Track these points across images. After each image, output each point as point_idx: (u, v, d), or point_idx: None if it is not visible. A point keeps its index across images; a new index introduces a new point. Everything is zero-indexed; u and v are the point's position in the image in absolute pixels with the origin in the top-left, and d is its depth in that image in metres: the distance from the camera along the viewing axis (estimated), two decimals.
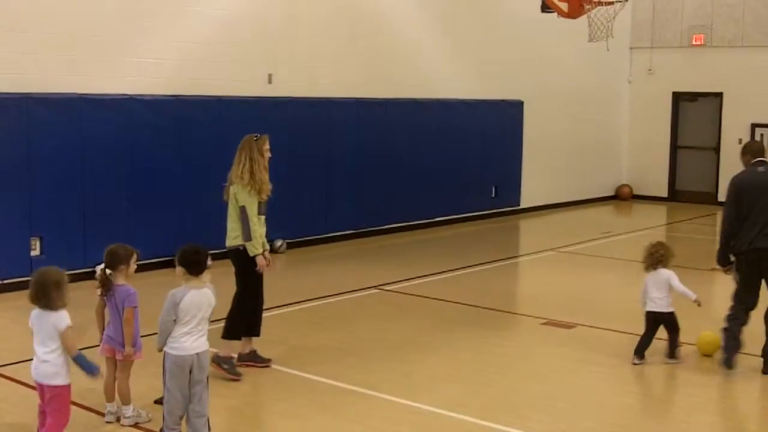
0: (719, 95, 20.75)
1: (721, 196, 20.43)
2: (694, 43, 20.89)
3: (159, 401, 6.62)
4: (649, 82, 21.63)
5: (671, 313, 8.20)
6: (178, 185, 12.26)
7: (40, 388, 5.82)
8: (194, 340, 5.80)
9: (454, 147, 16.55)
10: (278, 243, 13.43)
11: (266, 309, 9.89)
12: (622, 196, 21.82)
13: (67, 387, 5.79)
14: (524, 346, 9.20)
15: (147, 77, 11.94)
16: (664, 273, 8.21)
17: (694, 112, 21.45)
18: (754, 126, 20.19)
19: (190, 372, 5.78)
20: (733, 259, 8.10)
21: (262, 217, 7.98)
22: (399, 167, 15.44)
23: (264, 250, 7.88)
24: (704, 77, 20.77)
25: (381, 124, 15.08)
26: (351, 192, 14.66)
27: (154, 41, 12.04)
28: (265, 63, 13.42)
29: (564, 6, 14.14)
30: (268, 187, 8.00)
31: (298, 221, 13.85)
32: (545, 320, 9.78)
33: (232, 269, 7.91)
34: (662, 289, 8.16)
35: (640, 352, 8.17)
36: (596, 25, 15.03)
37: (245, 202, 7.80)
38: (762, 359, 7.89)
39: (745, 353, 8.07)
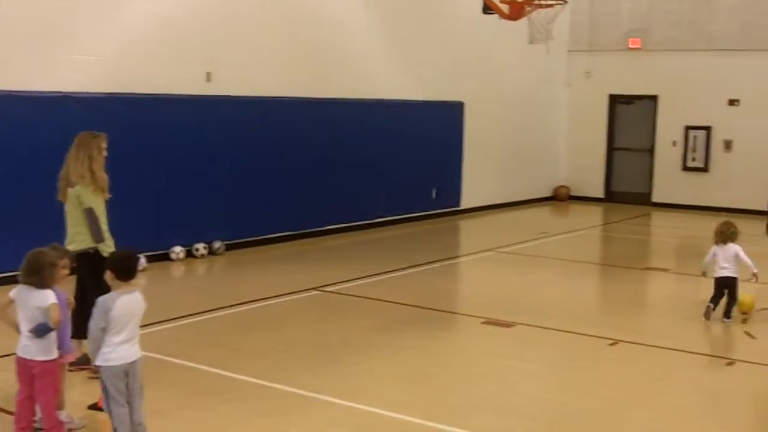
0: (654, 98, 21.08)
1: (656, 197, 20.95)
2: (630, 46, 21.19)
3: (93, 407, 6.48)
4: (586, 85, 21.88)
5: (735, 279, 9.87)
6: (112, 186, 11.99)
7: (26, 367, 5.80)
8: (129, 348, 5.62)
9: (394, 148, 16.54)
10: (216, 244, 13.27)
11: (205, 312, 9.85)
12: (560, 197, 22.04)
13: (56, 361, 5.87)
14: (465, 345, 9.22)
15: (81, 75, 11.63)
16: (733, 247, 9.92)
17: (630, 115, 21.76)
18: (688, 128, 20.59)
19: (127, 381, 5.63)
20: None
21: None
22: (339, 168, 15.37)
23: None
24: (640, 80, 21.08)
25: (322, 124, 15.00)
26: (291, 192, 14.55)
27: (88, 38, 11.74)
28: (204, 61, 13.22)
29: (505, 8, 14.22)
30: (108, 185, 7.61)
31: (237, 222, 13.70)
32: (485, 319, 9.80)
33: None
34: (730, 260, 9.85)
35: (715, 301, 9.87)
36: (536, 27, 15.15)
37: (91, 203, 7.44)
38: None
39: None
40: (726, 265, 9.87)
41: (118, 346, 5.58)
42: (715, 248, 10.06)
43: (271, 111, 14.15)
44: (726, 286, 9.89)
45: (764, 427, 6.86)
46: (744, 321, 9.93)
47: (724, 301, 10.02)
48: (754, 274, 9.89)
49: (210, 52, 13.30)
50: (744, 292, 10.08)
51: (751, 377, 8.17)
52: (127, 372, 5.62)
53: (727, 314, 9.87)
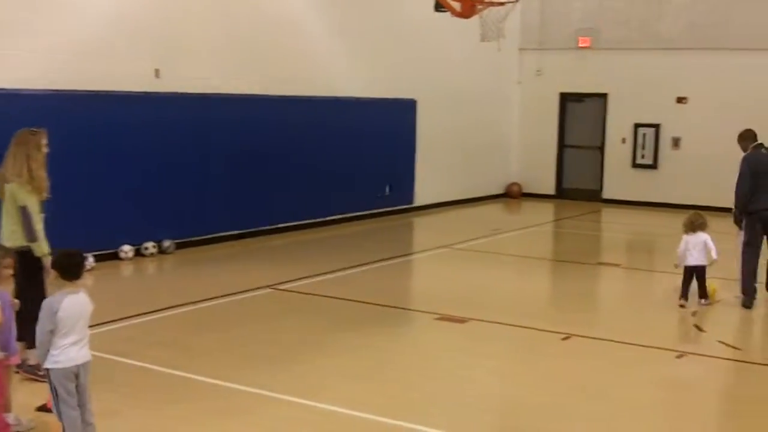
0: (604, 96, 21.28)
1: (606, 194, 21.15)
2: (580, 45, 21.36)
3: (42, 408, 6.35)
4: (537, 83, 22.02)
5: (704, 267, 10.41)
6: (56, 185, 11.78)
7: None
8: (78, 350, 5.51)
9: (347, 145, 16.49)
10: (166, 243, 13.12)
11: (156, 311, 9.73)
12: (512, 194, 22.15)
13: (1, 363, 5.82)
14: (419, 341, 9.20)
15: (24, 71, 11.39)
16: (702, 235, 10.47)
17: (580, 113, 21.94)
18: (637, 126, 20.81)
19: (77, 383, 5.53)
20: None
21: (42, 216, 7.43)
22: (292, 165, 15.28)
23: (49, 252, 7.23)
24: (590, 79, 21.27)
25: (274, 121, 14.90)
26: (242, 190, 14.44)
27: (32, 34, 11.50)
28: (153, 58, 13.05)
29: (457, 6, 14.24)
30: (46, 185, 7.45)
31: (187, 221, 13.56)
32: (439, 315, 9.80)
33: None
34: (699, 247, 10.40)
35: (685, 295, 10.41)
36: (488, 25, 15.20)
37: (26, 202, 7.28)
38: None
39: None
40: (695, 253, 10.42)
41: (67, 348, 5.47)
42: (686, 237, 10.57)
43: (221, 108, 14.01)
44: (696, 273, 10.48)
45: (714, 419, 6.94)
46: (682, 305, 10.41)
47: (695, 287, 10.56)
48: (713, 260, 10.47)
49: (159, 49, 13.13)
50: (709, 280, 10.57)
51: (701, 369, 8.27)
52: (77, 374, 5.52)
53: (700, 296, 10.49)
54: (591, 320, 10.25)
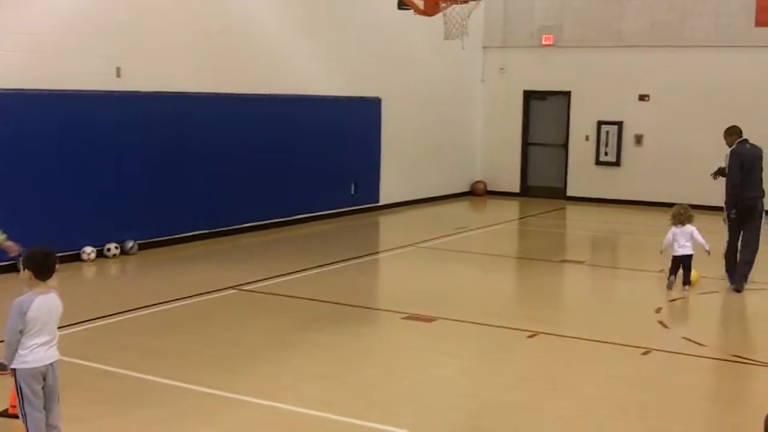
0: (567, 94, 21.38)
1: (570, 191, 21.27)
2: (544, 43, 21.45)
3: (4, 414, 6.25)
4: (501, 81, 22.08)
5: (691, 256, 11.19)
6: (16, 186, 11.64)
7: None
8: (46, 350, 5.42)
9: (312, 144, 16.43)
10: (129, 244, 12.99)
11: (118, 313, 9.62)
12: (477, 192, 22.20)
13: None
14: (386, 341, 9.18)
15: None
16: (689, 227, 11.24)
17: (544, 110, 22.03)
18: (600, 123, 20.93)
19: (44, 384, 5.44)
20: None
21: None
22: (257, 164, 15.19)
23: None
24: (554, 76, 21.38)
25: (237, 120, 14.80)
26: (206, 190, 14.32)
27: None
28: (114, 56, 12.89)
29: (420, 3, 14.21)
30: None
31: (150, 221, 13.41)
32: (406, 315, 9.78)
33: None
34: (687, 238, 11.16)
35: (674, 274, 11.28)
36: (451, 23, 15.17)
37: None
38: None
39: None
40: (684, 243, 11.19)
41: (36, 349, 5.39)
42: (674, 229, 11.31)
43: (184, 107, 13.89)
44: (683, 262, 11.25)
45: (680, 415, 6.97)
46: (670, 287, 11.32)
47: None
48: (707, 251, 11.20)
49: (120, 47, 12.98)
50: (694, 270, 11.41)
51: (665, 366, 8.32)
52: (45, 375, 5.44)
53: (685, 282, 11.26)
54: (556, 318, 10.28)
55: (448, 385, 7.58)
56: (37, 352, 5.40)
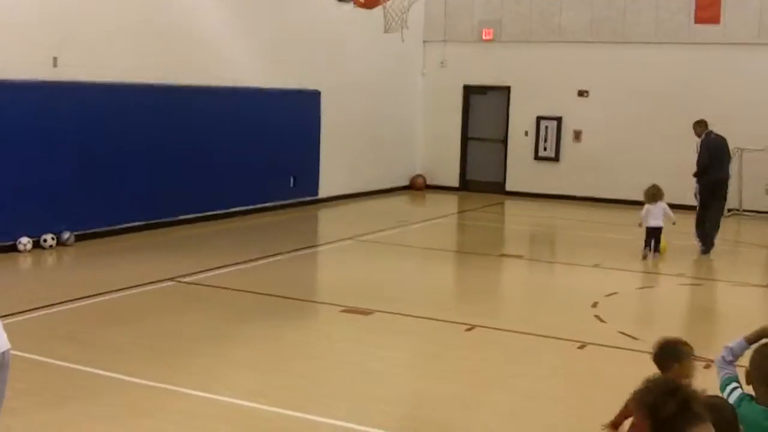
0: (507, 89, 21.53)
1: (509, 186, 21.45)
2: (484, 37, 21.56)
3: None
4: (441, 75, 22.14)
5: (661, 228, 13.28)
6: None
7: None
8: None
9: (251, 136, 16.34)
10: (66, 235, 12.81)
11: (55, 304, 9.49)
12: (417, 186, 22.26)
13: None
14: (324, 334, 9.20)
15: None
16: (661, 204, 13.30)
17: (483, 105, 22.16)
18: (539, 118, 21.11)
19: None
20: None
21: None
22: (195, 156, 15.06)
23: None
24: (493, 71, 21.49)
25: (177, 111, 14.65)
26: (144, 182, 14.16)
27: None
28: (50, 45, 12.69)
29: None
30: None
31: (87, 212, 13.22)
32: (344, 308, 9.80)
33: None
34: (659, 214, 13.26)
35: (648, 247, 13.29)
36: (391, 16, 15.22)
37: None
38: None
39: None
40: (657, 218, 13.26)
41: None
42: (647, 206, 13.34)
43: (122, 97, 13.70)
44: (654, 233, 13.25)
45: (613, 409, 7.08)
46: (645, 257, 13.21)
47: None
48: (674, 222, 13.46)
49: (57, 36, 12.76)
50: (663, 239, 13.39)
51: (601, 359, 8.45)
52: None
53: (655, 250, 13.28)
54: (494, 311, 10.40)
55: (385, 378, 7.62)
56: None
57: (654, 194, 13.36)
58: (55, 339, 8.28)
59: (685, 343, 4.81)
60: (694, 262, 13.53)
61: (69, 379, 7.24)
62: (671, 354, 4.70)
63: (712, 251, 13.79)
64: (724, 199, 14.39)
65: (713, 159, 13.83)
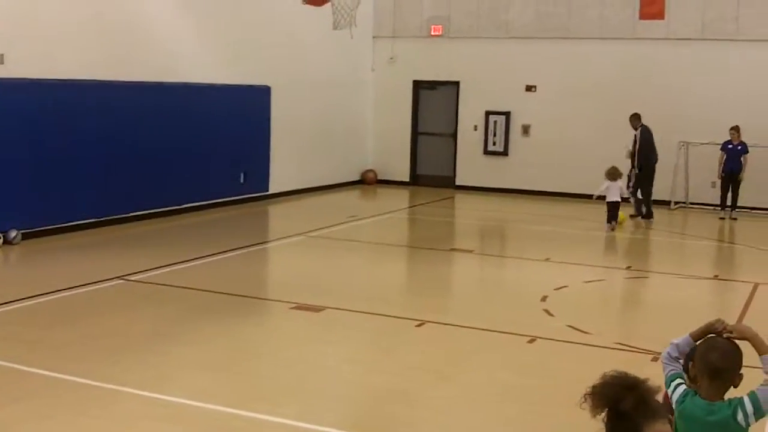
0: (456, 84, 21.63)
1: (459, 180, 21.54)
2: (433, 33, 21.63)
3: None
4: (391, 71, 22.17)
5: (619, 203, 15.63)
6: None
7: None
8: None
9: (201, 132, 16.21)
10: (12, 233, 12.61)
11: (2, 304, 9.34)
12: (368, 181, 22.27)
13: None
14: (274, 331, 9.18)
15: None
16: (619, 182, 15.75)
17: (433, 100, 22.23)
18: (488, 113, 21.24)
19: None
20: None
21: None
22: (144, 152, 14.90)
23: None
24: (443, 67, 21.58)
25: (125, 107, 14.48)
26: (92, 179, 13.99)
27: None
28: None
29: None
30: None
31: (34, 210, 13.03)
32: (295, 304, 9.78)
33: None
34: (617, 191, 15.59)
35: (609, 222, 15.65)
36: (340, 13, 15.21)
37: None
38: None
39: None
40: (615, 194, 15.57)
41: None
42: (608, 182, 15.63)
43: (70, 94, 13.52)
44: (615, 208, 15.55)
45: (561, 401, 7.16)
46: (612, 229, 15.60)
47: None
48: (625, 196, 16.22)
49: (5, 33, 12.55)
50: (621, 212, 15.79)
51: (550, 353, 8.53)
52: None
53: (613, 219, 15.67)
54: (444, 306, 10.45)
55: (335, 374, 7.64)
56: None
57: (614, 173, 15.76)
58: (1, 340, 8.15)
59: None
60: (640, 257, 13.70)
61: (10, 379, 7.14)
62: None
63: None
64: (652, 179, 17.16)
65: (651, 148, 16.84)
